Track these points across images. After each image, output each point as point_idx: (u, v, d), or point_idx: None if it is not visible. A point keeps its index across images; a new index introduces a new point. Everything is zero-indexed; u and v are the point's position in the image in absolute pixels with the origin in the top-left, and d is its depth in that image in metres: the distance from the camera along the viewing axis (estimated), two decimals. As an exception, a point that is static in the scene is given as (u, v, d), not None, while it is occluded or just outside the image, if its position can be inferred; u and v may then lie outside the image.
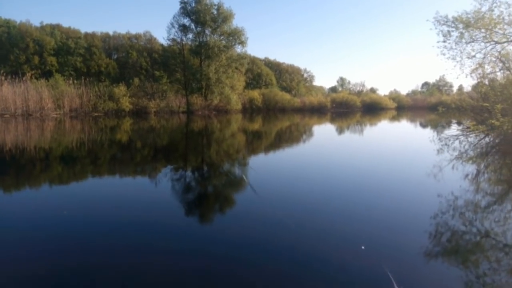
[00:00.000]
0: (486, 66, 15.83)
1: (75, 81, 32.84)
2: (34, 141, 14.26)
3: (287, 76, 71.22)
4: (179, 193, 6.72)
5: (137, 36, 49.81)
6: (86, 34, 46.93)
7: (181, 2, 38.52)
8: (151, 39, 49.82)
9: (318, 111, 51.02)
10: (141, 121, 26.79)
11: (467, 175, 8.21)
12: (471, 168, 9.42)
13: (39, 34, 42.27)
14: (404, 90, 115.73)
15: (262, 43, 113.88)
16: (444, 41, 15.72)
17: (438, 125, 25.88)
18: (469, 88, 22.69)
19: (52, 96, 30.19)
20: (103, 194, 6.53)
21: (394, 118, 37.31)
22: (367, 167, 9.30)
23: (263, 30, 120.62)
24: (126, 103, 34.14)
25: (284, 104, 49.86)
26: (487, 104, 13.81)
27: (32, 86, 29.32)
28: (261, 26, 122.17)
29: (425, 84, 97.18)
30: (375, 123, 30.39)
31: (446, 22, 15.50)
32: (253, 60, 58.92)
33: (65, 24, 49.79)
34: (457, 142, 14.22)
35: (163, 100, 37.50)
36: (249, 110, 45.33)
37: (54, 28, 44.96)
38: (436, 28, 15.82)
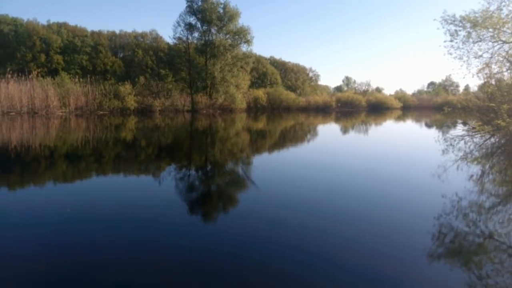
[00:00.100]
0: (493, 66, 15.75)
1: (81, 79, 32.96)
2: (39, 139, 14.35)
3: (292, 75, 71.12)
4: (183, 192, 6.73)
5: (143, 35, 49.98)
6: (93, 33, 47.17)
7: (187, 1, 38.61)
8: (157, 38, 49.99)
9: (323, 111, 50.90)
10: (146, 120, 26.86)
11: (471, 176, 8.15)
12: (476, 168, 9.35)
13: (46, 33, 42.54)
14: (410, 90, 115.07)
15: (267, 42, 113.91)
16: (451, 41, 15.64)
17: (443, 125, 25.73)
18: (476, 88, 22.51)
19: (58, 94, 30.32)
20: (107, 192, 6.55)
21: (399, 118, 37.14)
22: (372, 167, 9.26)
23: (268, 29, 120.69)
24: (131, 102, 34.24)
25: (289, 103, 49.80)
26: (493, 104, 13.70)
27: (38, 84, 29.45)
28: (266, 25, 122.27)
29: (431, 84, 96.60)
30: (380, 123, 30.27)
31: (454, 21, 15.41)
32: (259, 59, 58.88)
33: (72, 22, 50.03)
34: (462, 142, 14.13)
35: (168, 99, 37.56)
36: (254, 109, 45.32)
37: (61, 27, 45.22)
38: (443, 28, 15.74)
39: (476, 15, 14.73)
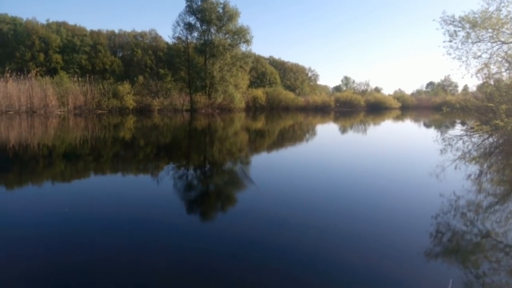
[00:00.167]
0: (492, 66, 15.78)
1: (79, 79, 32.87)
2: (38, 138, 14.34)
3: (291, 75, 71.07)
4: (182, 191, 6.73)
5: (142, 34, 49.92)
6: (92, 32, 47.07)
7: (187, 1, 38.50)
8: (156, 37, 49.93)
9: (322, 110, 50.92)
10: (145, 119, 26.85)
11: (469, 176, 8.17)
12: (474, 168, 9.37)
13: (45, 32, 42.46)
14: (408, 90, 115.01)
15: (267, 42, 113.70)
16: (450, 41, 15.66)
17: (442, 125, 25.77)
18: (474, 88, 22.54)
19: (57, 94, 30.24)
20: (106, 192, 6.55)
21: (398, 118, 37.18)
22: (370, 167, 9.28)
23: (268, 29, 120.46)
24: (130, 101, 34.20)
25: (287, 103, 49.79)
26: (492, 105, 13.73)
27: (36, 83, 29.37)
28: (266, 25, 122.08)
29: (430, 84, 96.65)
30: (379, 122, 30.30)
31: (453, 22, 15.43)
32: (258, 59, 58.81)
33: (71, 21, 49.99)
34: (460, 142, 14.15)
35: (167, 98, 37.53)
36: (253, 108, 45.31)
37: (60, 26, 45.11)
38: (442, 28, 15.75)
39: (475, 15, 14.76)
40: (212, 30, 38.40)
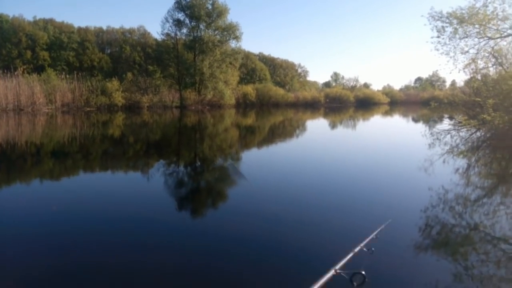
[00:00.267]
0: (479, 62, 15.99)
1: (67, 76, 32.50)
2: (25, 136, 14.15)
3: (281, 71, 71.07)
4: (173, 189, 6.70)
5: (130, 31, 49.44)
6: (79, 29, 46.50)
7: (175, -4, 38.28)
8: (145, 34, 49.49)
9: (312, 106, 51.06)
10: (134, 116, 26.66)
11: (458, 169, 8.28)
12: (462, 162, 9.50)
13: (32, 29, 41.84)
14: (397, 85, 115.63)
15: (256, 38, 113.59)
16: (438, 37, 15.79)
17: (430, 120, 26.03)
18: (462, 83, 22.89)
19: (44, 91, 29.86)
20: (95, 190, 6.49)
21: (386, 113, 37.45)
22: (360, 162, 9.34)
23: (257, 25, 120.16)
24: (119, 98, 33.91)
25: (277, 99, 49.77)
26: (479, 99, 13.91)
27: (24, 81, 28.95)
28: (255, 22, 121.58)
29: (418, 79, 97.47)
30: (368, 118, 30.49)
31: (441, 17, 15.55)
32: (247, 55, 58.70)
33: (58, 18, 49.18)
34: (448, 136, 14.31)
35: (156, 95, 37.31)
36: (243, 105, 45.23)
37: (47, 23, 44.49)
38: (430, 24, 15.86)
39: (463, 11, 14.90)
40: (201, 26, 38.22)
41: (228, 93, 39.92)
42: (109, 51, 48.33)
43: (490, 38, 15.05)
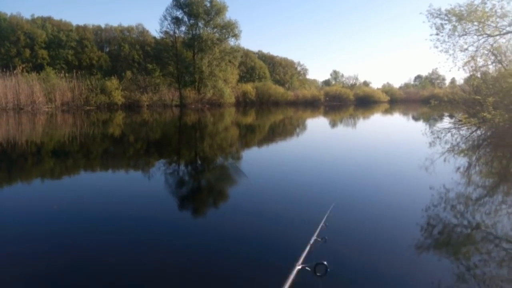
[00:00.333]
0: (478, 59, 15.96)
1: (66, 75, 32.48)
2: (26, 135, 14.14)
3: (280, 70, 70.99)
4: (173, 187, 6.70)
5: (129, 29, 49.34)
6: (78, 27, 46.39)
7: (174, -6, 38.21)
8: (143, 32, 49.42)
9: (311, 105, 51.04)
10: (134, 115, 26.64)
11: (458, 168, 8.28)
12: (462, 160, 9.50)
13: (30, 27, 41.73)
14: (397, 83, 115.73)
15: (255, 36, 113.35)
16: (437, 34, 15.76)
17: (430, 118, 26.02)
18: (462, 81, 22.84)
19: (44, 90, 29.84)
20: (95, 189, 6.48)
21: (386, 112, 37.45)
22: (360, 160, 9.34)
23: (256, 23, 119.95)
24: (118, 97, 33.89)
25: (277, 98, 49.77)
26: (479, 97, 13.90)
27: (23, 80, 28.92)
28: (254, 19, 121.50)
29: (418, 77, 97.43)
30: (368, 116, 30.49)
31: (439, 15, 15.51)
32: (247, 53, 58.64)
33: (57, 17, 48.95)
34: (449, 135, 14.31)
35: (155, 94, 37.27)
36: (243, 103, 45.23)
37: (45, 21, 44.37)
38: (429, 21, 15.83)
39: (461, 8, 14.86)
40: (200, 24, 38.17)
41: (228, 91, 39.90)
42: (107, 50, 48.23)
43: (489, 35, 15.03)
